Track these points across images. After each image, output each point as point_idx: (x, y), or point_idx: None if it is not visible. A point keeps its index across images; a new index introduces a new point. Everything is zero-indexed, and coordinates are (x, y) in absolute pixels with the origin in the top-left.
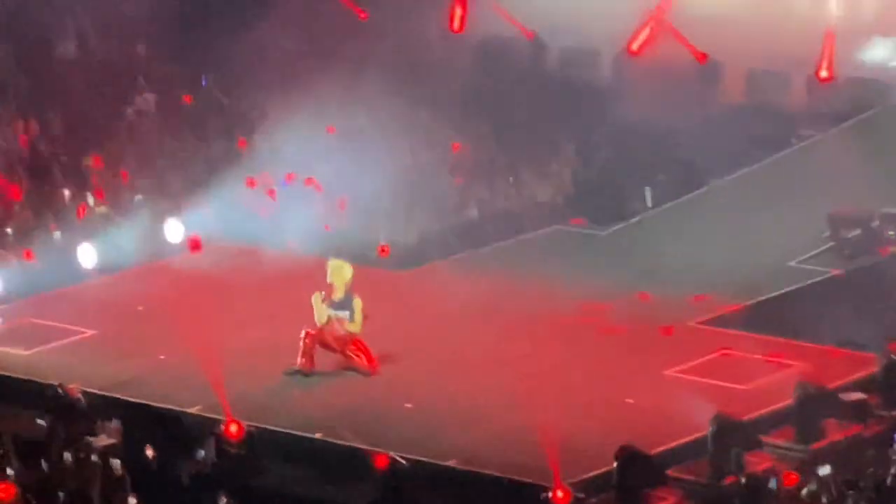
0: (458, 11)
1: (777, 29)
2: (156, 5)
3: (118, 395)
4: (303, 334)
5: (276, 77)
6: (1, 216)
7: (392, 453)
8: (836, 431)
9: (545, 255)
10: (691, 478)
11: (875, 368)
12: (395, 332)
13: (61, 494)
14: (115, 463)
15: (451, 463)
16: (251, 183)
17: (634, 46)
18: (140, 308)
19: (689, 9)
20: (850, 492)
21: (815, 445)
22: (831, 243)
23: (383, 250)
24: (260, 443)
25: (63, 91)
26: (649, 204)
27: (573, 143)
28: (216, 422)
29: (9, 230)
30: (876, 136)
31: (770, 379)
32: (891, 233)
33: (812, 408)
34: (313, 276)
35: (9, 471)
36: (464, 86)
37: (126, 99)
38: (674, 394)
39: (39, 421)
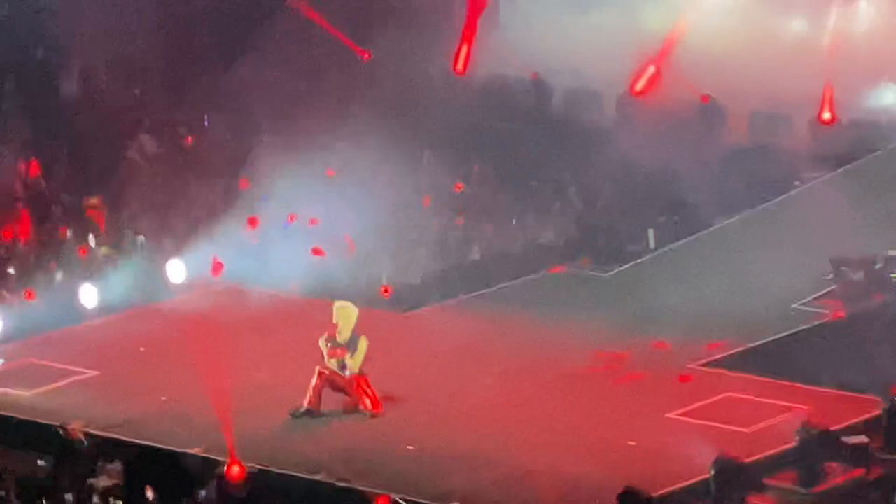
0: (465, 50)
1: (780, 71)
2: (159, 46)
3: (120, 436)
4: (317, 373)
5: (278, 118)
6: (2, 256)
7: (393, 495)
8: (838, 474)
9: (548, 297)
10: None
11: (878, 411)
12: (396, 373)
13: None
14: None
15: None
16: (253, 223)
17: (637, 88)
18: (142, 349)
19: (691, 50)
20: None
21: (818, 488)
22: (834, 286)
23: (385, 291)
24: (261, 484)
25: (65, 131)
26: (652, 245)
27: (576, 185)
28: (218, 463)
29: (10, 270)
30: (878, 178)
31: (772, 421)
32: (893, 275)
33: (814, 451)
34: (315, 317)
35: None
36: (466, 126)
37: (128, 139)
38: (676, 436)
39: (41, 462)
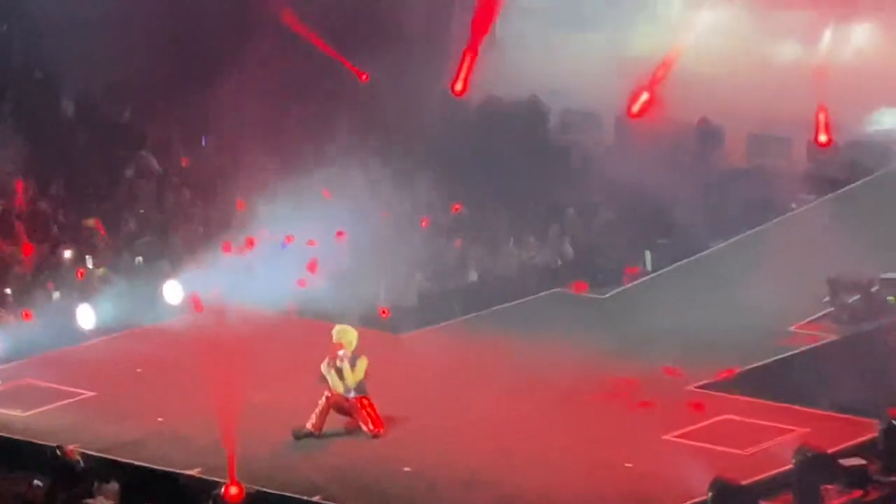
0: (465, 71)
1: (777, 93)
2: (156, 67)
3: (117, 457)
4: (324, 397)
5: (275, 139)
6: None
7: None
8: (835, 497)
9: (545, 319)
10: None
11: (875, 434)
12: (394, 394)
13: None
14: None
15: None
16: (250, 244)
17: (634, 109)
18: (139, 370)
19: (688, 72)
20: None
21: None
22: (831, 308)
23: (384, 312)
24: None
25: (63, 151)
26: (649, 268)
27: (573, 206)
28: (215, 484)
29: (7, 290)
30: (876, 200)
31: (770, 444)
32: (890, 298)
33: (812, 473)
34: (312, 338)
35: None
36: (464, 148)
37: (126, 160)
38: (673, 458)
39: (37, 483)
